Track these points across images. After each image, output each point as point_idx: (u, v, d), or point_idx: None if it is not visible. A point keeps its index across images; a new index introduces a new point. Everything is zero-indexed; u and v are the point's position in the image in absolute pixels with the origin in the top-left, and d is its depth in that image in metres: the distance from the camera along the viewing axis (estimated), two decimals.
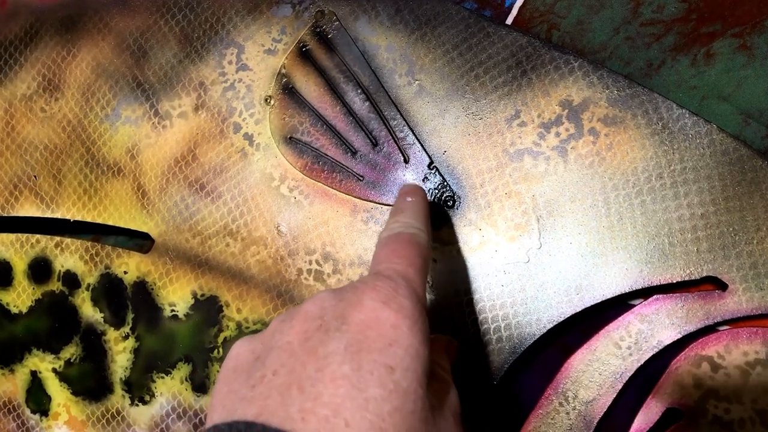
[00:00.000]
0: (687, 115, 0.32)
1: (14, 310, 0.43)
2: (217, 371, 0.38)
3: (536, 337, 0.33)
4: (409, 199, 0.30)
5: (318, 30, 0.37)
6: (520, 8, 0.37)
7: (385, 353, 0.20)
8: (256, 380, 0.20)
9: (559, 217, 0.33)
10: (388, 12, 0.36)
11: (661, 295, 0.32)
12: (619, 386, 0.33)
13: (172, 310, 0.39)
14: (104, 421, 0.41)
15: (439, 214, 0.35)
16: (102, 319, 0.41)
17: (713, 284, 0.32)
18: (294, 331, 0.22)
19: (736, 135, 0.33)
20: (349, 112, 0.36)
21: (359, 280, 0.23)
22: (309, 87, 0.37)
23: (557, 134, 0.33)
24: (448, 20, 0.35)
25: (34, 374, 0.43)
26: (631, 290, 0.32)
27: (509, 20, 0.37)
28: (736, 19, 0.33)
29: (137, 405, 0.40)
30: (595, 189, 0.33)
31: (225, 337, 0.38)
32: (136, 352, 0.40)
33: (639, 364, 0.32)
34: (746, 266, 0.31)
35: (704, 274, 0.31)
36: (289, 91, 0.37)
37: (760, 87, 0.33)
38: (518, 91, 0.34)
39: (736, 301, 0.31)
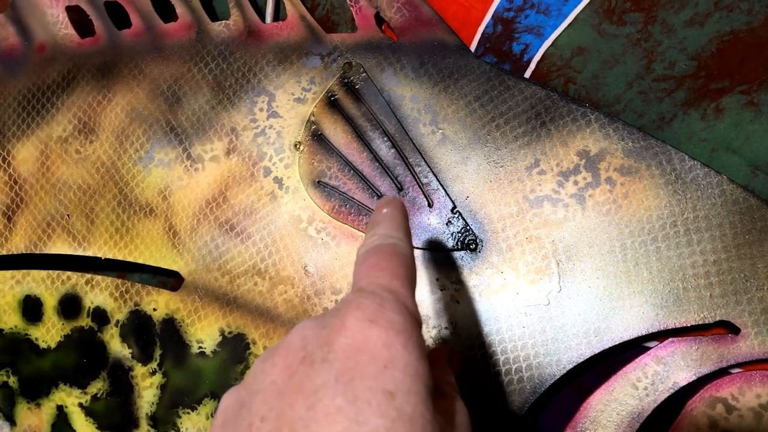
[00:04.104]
0: (699, 167, 0.34)
1: (43, 345, 0.44)
2: None
3: (556, 377, 0.34)
4: (385, 210, 0.27)
5: (346, 81, 0.39)
6: (538, 62, 0.39)
7: (381, 378, 0.18)
8: (243, 431, 0.18)
9: (578, 262, 0.35)
10: (412, 65, 0.38)
11: (676, 338, 0.34)
12: (637, 426, 0.34)
13: (200, 347, 0.40)
14: None
15: (461, 257, 0.36)
16: (130, 355, 0.42)
17: (726, 328, 0.34)
18: (277, 369, 0.19)
19: (745, 185, 0.35)
20: (376, 158, 0.38)
21: (341, 302, 0.21)
22: (337, 134, 0.38)
23: (575, 182, 0.35)
24: (470, 73, 0.37)
25: (60, 409, 0.44)
26: (647, 333, 0.33)
27: (527, 74, 0.39)
28: (743, 77, 0.35)
29: None
30: (613, 235, 0.34)
31: None
32: (162, 387, 0.41)
33: (655, 405, 0.34)
34: (758, 311, 0.33)
35: (717, 319, 0.33)
36: (317, 137, 0.39)
37: (767, 141, 0.35)
38: (537, 141, 0.36)
39: (749, 345, 0.33)
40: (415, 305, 0.22)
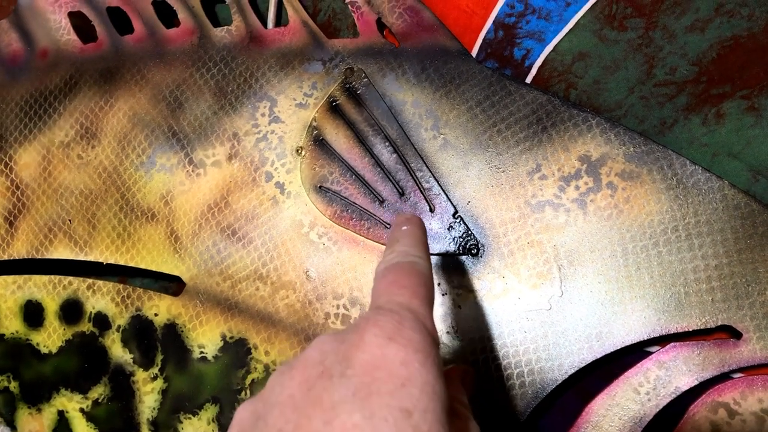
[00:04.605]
0: (700, 171, 0.34)
1: (44, 350, 0.44)
2: None
3: (558, 382, 0.34)
4: (405, 227, 0.27)
5: (347, 86, 0.39)
6: (540, 68, 0.39)
7: (398, 395, 0.18)
8: None
9: (580, 266, 0.35)
10: (414, 70, 0.38)
11: (677, 343, 0.34)
12: (639, 431, 0.34)
13: (201, 352, 0.40)
14: None
15: (463, 262, 0.36)
16: (131, 360, 0.42)
17: (728, 333, 0.33)
18: (295, 382, 0.20)
19: (746, 190, 0.35)
20: (377, 163, 0.38)
21: (360, 318, 0.21)
22: (339, 139, 0.39)
23: (577, 187, 0.35)
24: (471, 78, 0.37)
25: (61, 414, 0.44)
26: (649, 338, 0.33)
27: (529, 79, 0.39)
28: (744, 82, 0.35)
29: None
30: (614, 240, 0.34)
31: (253, 379, 0.39)
32: (164, 392, 0.41)
33: (658, 410, 0.34)
34: (759, 315, 0.33)
35: (719, 323, 0.33)
36: (319, 142, 0.39)
37: (767, 146, 0.35)
38: (539, 146, 0.36)
39: (751, 350, 0.33)
40: (434, 324, 0.22)
